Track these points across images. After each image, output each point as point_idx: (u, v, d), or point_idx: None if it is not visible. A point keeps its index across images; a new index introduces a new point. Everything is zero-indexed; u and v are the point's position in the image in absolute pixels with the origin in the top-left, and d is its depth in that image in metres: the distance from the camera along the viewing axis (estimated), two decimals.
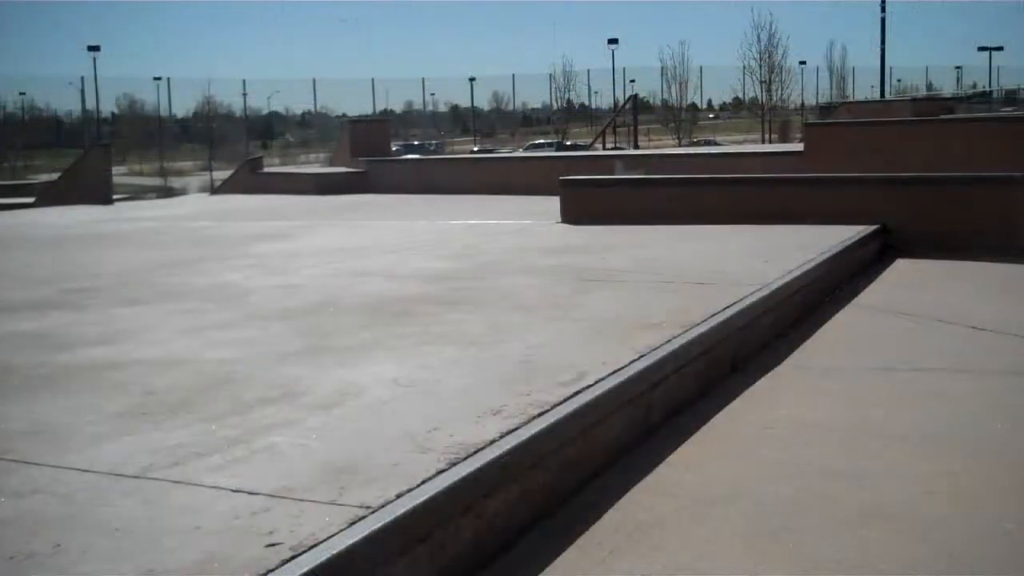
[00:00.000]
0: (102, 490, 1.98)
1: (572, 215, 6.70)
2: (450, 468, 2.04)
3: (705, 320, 3.37)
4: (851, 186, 6.31)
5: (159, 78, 56.19)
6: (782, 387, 3.29)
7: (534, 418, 2.36)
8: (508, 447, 2.17)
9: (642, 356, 2.92)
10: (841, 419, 2.92)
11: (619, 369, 2.79)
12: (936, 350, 3.72)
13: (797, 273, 4.32)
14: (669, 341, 3.10)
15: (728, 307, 3.57)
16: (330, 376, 2.84)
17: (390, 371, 2.87)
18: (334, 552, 1.66)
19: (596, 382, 2.66)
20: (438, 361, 2.99)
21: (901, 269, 5.48)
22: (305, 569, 1.61)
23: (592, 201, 6.72)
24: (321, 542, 1.69)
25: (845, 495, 2.34)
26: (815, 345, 3.84)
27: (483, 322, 3.53)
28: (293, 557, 1.64)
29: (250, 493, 1.93)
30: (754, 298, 3.75)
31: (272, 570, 1.60)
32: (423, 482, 1.96)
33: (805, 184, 6.45)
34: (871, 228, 5.73)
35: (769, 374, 3.43)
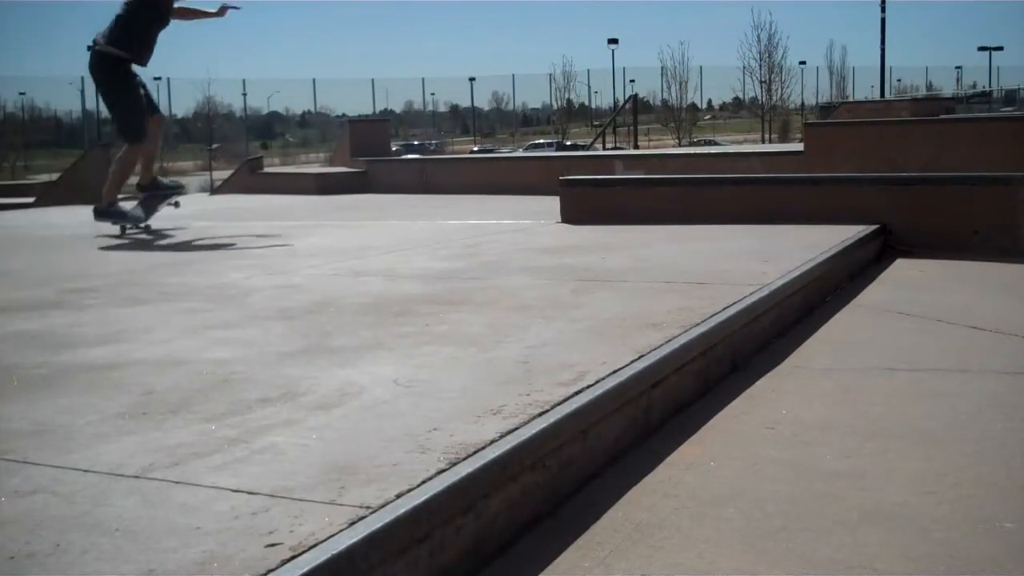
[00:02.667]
0: (102, 490, 1.98)
1: (572, 215, 6.70)
2: (450, 468, 2.04)
3: (705, 320, 3.37)
4: (852, 186, 6.31)
5: (159, 78, 56.14)
6: (782, 387, 3.29)
7: (534, 418, 2.36)
8: (508, 447, 2.17)
9: (642, 356, 2.92)
10: (841, 418, 2.92)
11: (619, 369, 2.78)
12: (936, 350, 3.72)
13: (797, 273, 4.32)
14: (669, 341, 3.10)
15: (728, 307, 3.57)
16: (330, 376, 2.84)
17: (390, 371, 2.87)
18: (334, 552, 1.66)
19: (596, 382, 2.66)
20: (438, 361, 2.99)
21: (901, 269, 5.47)
22: (305, 569, 1.61)
23: (592, 201, 6.72)
24: (321, 542, 1.69)
25: (845, 495, 2.34)
26: (815, 345, 3.84)
27: (483, 322, 3.53)
28: (293, 557, 1.64)
29: (250, 493, 1.93)
30: (754, 298, 3.75)
31: (272, 570, 1.60)
32: (423, 482, 1.96)
33: (805, 184, 6.44)
34: (871, 228, 5.73)
35: (769, 374, 3.43)
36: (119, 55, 7.24)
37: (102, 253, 6.35)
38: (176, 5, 7.46)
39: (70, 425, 2.43)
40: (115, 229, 7.61)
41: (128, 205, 7.76)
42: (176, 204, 8.11)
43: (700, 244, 5.46)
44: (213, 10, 7.60)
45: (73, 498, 1.94)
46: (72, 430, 2.39)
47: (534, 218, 7.13)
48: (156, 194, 7.77)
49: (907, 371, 3.43)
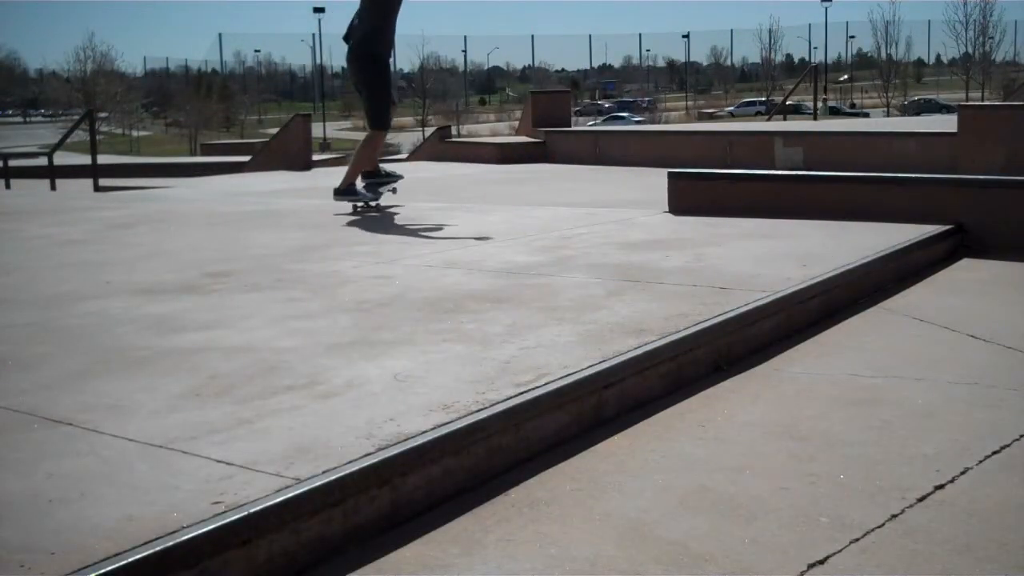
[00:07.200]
0: (130, 455, 2.78)
1: (676, 207, 7.23)
2: (376, 451, 2.75)
3: (687, 327, 3.94)
4: (926, 186, 6.57)
5: None
6: (749, 390, 3.82)
7: (471, 413, 3.04)
8: (432, 437, 2.86)
9: (604, 360, 3.54)
10: (797, 423, 3.46)
11: (576, 371, 3.42)
12: (928, 359, 4.14)
13: (820, 279, 4.79)
14: (640, 346, 3.71)
15: (717, 315, 4.12)
16: (350, 368, 3.57)
17: (398, 366, 3.58)
18: (252, 511, 2.40)
19: (547, 383, 3.31)
20: (441, 358, 3.68)
21: (956, 271, 5.79)
22: (229, 519, 2.35)
23: (695, 194, 7.21)
24: (249, 503, 2.44)
25: (729, 490, 2.92)
26: (809, 348, 4.33)
27: (506, 322, 4.18)
28: (224, 512, 2.39)
29: (227, 464, 2.69)
30: (751, 306, 4.27)
31: (205, 519, 2.36)
32: (349, 462, 2.68)
33: (886, 184, 6.74)
34: (940, 229, 6.05)
35: (742, 375, 3.96)
36: (381, 53, 8.35)
37: (258, 235, 7.26)
38: None
39: (139, 402, 3.25)
40: (346, 207, 8.43)
41: (359, 186, 8.50)
42: (394, 191, 8.77)
43: (767, 243, 5.91)
44: None
45: (109, 460, 2.75)
46: (139, 406, 3.21)
47: (645, 207, 7.66)
48: (379, 181, 8.51)
49: (870, 378, 3.91)
